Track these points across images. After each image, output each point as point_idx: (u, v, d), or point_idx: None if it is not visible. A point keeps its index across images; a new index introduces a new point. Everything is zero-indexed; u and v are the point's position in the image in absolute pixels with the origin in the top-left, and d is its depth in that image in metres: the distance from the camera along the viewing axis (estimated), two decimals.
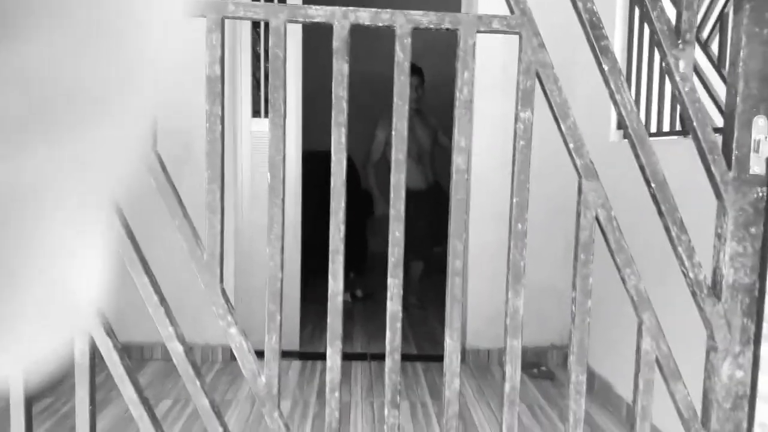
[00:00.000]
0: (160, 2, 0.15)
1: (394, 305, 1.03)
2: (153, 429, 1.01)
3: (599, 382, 2.69)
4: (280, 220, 0.99)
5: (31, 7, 0.12)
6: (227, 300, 1.02)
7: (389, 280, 1.03)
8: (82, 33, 0.13)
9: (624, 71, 2.55)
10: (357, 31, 1.02)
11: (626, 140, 2.48)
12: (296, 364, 2.92)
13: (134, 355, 2.90)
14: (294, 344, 3.09)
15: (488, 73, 2.79)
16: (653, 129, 2.38)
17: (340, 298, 1.02)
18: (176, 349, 1.02)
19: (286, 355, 3.00)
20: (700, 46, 2.03)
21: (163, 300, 1.02)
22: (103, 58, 0.14)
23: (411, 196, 3.38)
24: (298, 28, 2.89)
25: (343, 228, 1.01)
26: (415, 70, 3.08)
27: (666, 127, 2.35)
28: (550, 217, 2.81)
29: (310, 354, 3.12)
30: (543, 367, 3.01)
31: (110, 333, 1.00)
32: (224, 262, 3.13)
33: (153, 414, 1.03)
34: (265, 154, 2.93)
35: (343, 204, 1.01)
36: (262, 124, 2.99)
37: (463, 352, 2.98)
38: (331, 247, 1.01)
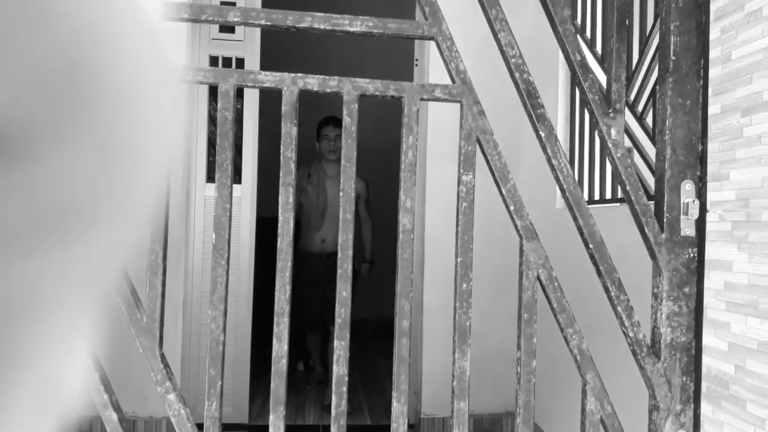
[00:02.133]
0: (156, 111, 0.16)
1: (340, 368, 1.01)
2: None
3: None
4: (224, 282, 0.98)
5: (40, 130, 0.13)
6: (166, 365, 0.98)
7: (336, 342, 1.02)
8: (80, 151, 0.14)
9: (568, 140, 2.67)
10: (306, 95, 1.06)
11: None
12: None
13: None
14: (243, 416, 2.97)
15: (440, 142, 2.88)
16: (597, 196, 2.48)
17: (284, 362, 0.99)
18: (110, 418, 0.97)
19: (234, 427, 2.87)
20: (636, 119, 2.16)
21: (99, 365, 0.98)
22: (97, 173, 0.14)
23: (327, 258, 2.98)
24: (256, 94, 2.95)
25: (288, 289, 1.00)
26: (338, 122, 2.86)
27: (609, 195, 2.45)
28: (504, 281, 2.85)
29: (259, 427, 3.00)
30: None
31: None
32: (172, 330, 2.99)
33: None
34: None
35: (289, 264, 1.00)
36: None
37: (418, 421, 2.91)
38: (276, 309, 1.00)
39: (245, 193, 2.95)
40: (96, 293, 0.15)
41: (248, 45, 2.87)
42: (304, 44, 5.04)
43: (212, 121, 3.11)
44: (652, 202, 1.13)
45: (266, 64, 3.00)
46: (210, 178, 2.98)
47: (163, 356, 0.98)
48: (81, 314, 0.15)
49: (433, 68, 2.85)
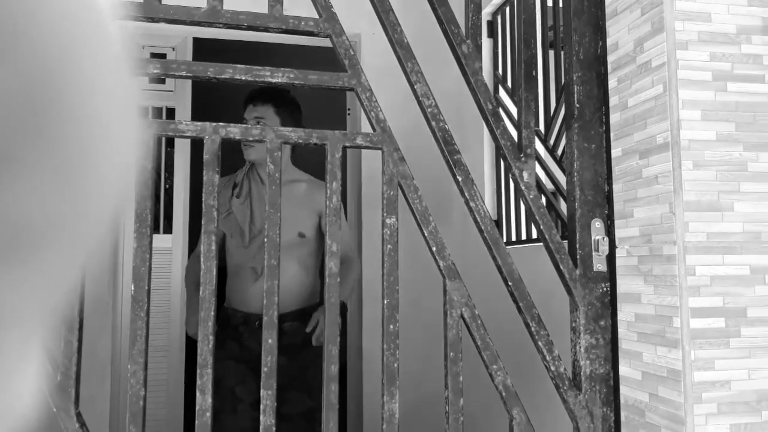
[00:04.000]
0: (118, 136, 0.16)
1: (267, 418, 1.00)
2: None
3: None
4: (144, 335, 0.96)
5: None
6: (83, 424, 0.94)
7: (262, 392, 1.00)
8: (38, 175, 0.14)
9: (494, 184, 2.77)
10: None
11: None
12: None
13: None
14: None
15: (375, 187, 2.93)
16: (524, 236, 2.57)
17: (208, 415, 0.97)
18: None
19: None
20: (555, 161, 2.27)
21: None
22: (54, 197, 0.15)
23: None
24: (187, 142, 2.93)
25: (212, 339, 0.99)
26: (267, 97, 1.92)
27: (534, 234, 2.54)
28: (440, 324, 2.87)
29: None
30: None
31: None
32: (100, 389, 2.83)
33: None
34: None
35: (212, 314, 0.99)
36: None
37: None
38: (199, 361, 0.98)
39: (176, 243, 2.88)
40: (47, 310, 0.16)
41: (179, 95, 2.87)
42: (238, 93, 5.05)
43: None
44: (566, 241, 1.19)
45: (198, 114, 2.99)
46: None
47: (79, 415, 0.94)
48: (33, 330, 0.16)
49: (365, 117, 2.92)
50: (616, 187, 1.15)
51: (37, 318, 0.15)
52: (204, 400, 0.97)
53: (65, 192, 0.15)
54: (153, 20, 1.00)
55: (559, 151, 2.28)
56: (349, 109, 3.09)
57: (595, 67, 1.19)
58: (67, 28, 0.15)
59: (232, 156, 2.04)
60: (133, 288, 0.97)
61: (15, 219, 0.14)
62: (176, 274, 2.89)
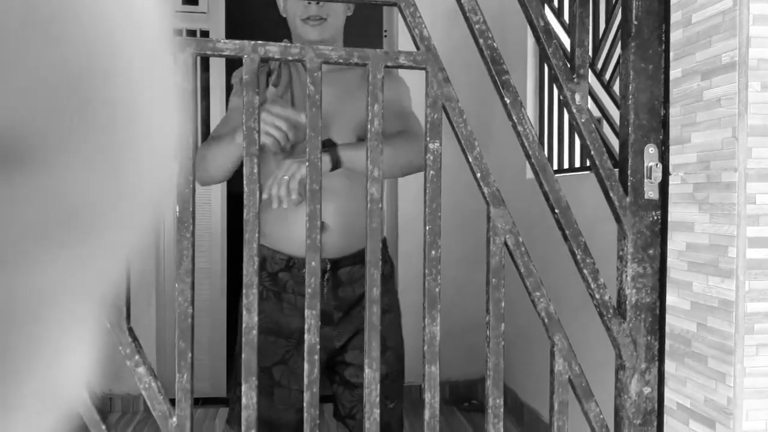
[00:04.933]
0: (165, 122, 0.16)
1: (311, 337, 1.02)
2: None
3: (528, 411, 2.72)
4: (190, 255, 0.97)
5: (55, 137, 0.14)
6: (135, 338, 0.97)
7: (306, 312, 1.02)
8: (86, 160, 0.14)
9: (537, 112, 2.69)
10: None
11: None
12: (223, 411, 2.81)
13: None
14: (221, 391, 2.98)
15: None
16: (566, 165, 2.51)
17: (254, 333, 0.99)
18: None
19: (213, 401, 2.88)
20: (603, 87, 2.17)
21: None
22: (103, 182, 0.15)
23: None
24: (222, 66, 2.89)
25: (256, 260, 1.00)
26: None
27: (578, 164, 2.48)
28: (475, 251, 2.87)
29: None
30: (474, 400, 3.02)
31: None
32: (145, 308, 2.98)
33: None
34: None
35: (256, 236, 1.00)
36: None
37: None
38: (245, 281, 0.99)
39: None
40: (96, 297, 0.16)
41: (212, 17, 2.81)
42: (270, 17, 4.94)
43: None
44: (617, 169, 1.14)
45: (231, 36, 2.94)
46: None
47: (131, 330, 0.97)
48: (82, 317, 0.16)
49: (401, 39, 2.82)
50: (673, 110, 1.09)
51: (87, 302, 0.16)
52: (250, 318, 0.99)
53: (112, 177, 0.15)
54: None
55: (607, 75, 2.17)
56: (385, 31, 2.99)
57: None
58: (112, 8, 0.15)
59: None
60: (178, 209, 0.97)
61: (65, 204, 0.14)
62: (215, 199, 2.93)
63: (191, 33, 2.76)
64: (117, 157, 0.15)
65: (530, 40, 2.69)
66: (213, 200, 2.88)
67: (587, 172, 2.31)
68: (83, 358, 0.16)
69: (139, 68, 0.15)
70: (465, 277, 2.92)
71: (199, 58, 1.06)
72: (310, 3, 1.35)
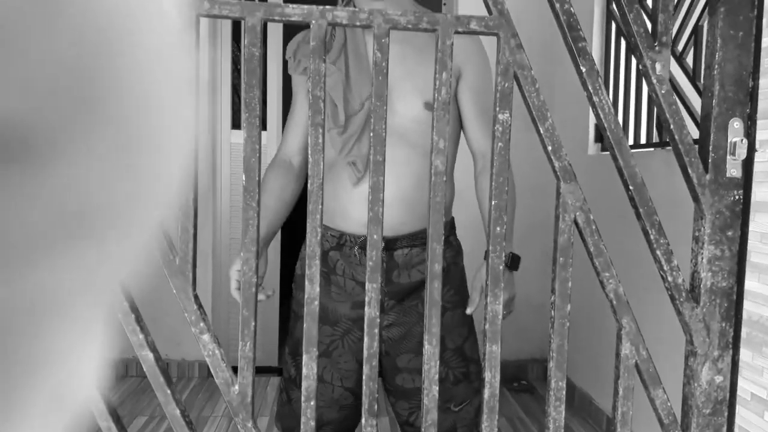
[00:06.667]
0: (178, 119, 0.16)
1: (372, 310, 1.01)
2: None
3: (579, 394, 2.68)
4: (255, 224, 0.97)
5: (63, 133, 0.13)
6: (200, 306, 0.99)
7: (367, 285, 1.01)
8: (101, 153, 0.14)
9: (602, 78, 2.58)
10: None
11: (605, 153, 2.51)
12: (275, 380, 2.87)
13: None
14: (273, 360, 3.04)
15: None
16: (631, 141, 2.41)
17: (316, 303, 0.99)
18: (147, 358, 0.99)
19: (265, 371, 2.94)
20: (675, 59, 2.06)
21: (134, 307, 0.99)
22: (119, 175, 0.14)
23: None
24: (280, 36, 2.88)
25: (319, 231, 0.99)
26: None
27: (643, 140, 2.37)
28: (526, 230, 2.82)
29: None
30: (523, 380, 2.99)
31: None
32: (202, 276, 3.05)
33: None
34: None
35: (320, 207, 0.99)
36: (242, 136, 2.98)
37: None
38: (308, 252, 0.99)
39: (270, 140, 2.93)
40: (110, 294, 0.16)
41: None
42: None
43: (236, 66, 3.07)
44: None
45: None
46: (235, 125, 2.96)
47: (196, 297, 0.99)
48: (95, 316, 0.15)
49: (461, 9, 2.75)
50: (763, 82, 1.01)
51: (101, 299, 0.15)
52: (312, 288, 0.98)
53: (126, 172, 0.14)
54: None
55: (680, 47, 2.06)
56: (444, 1, 2.92)
57: None
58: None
59: None
60: (244, 178, 0.97)
61: (76, 199, 0.13)
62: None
63: None
64: (131, 150, 0.14)
65: (597, 9, 2.58)
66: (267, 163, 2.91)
67: (652, 149, 2.21)
68: (94, 360, 0.16)
69: (153, 56, 0.15)
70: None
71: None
72: None
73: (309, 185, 0.99)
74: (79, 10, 0.13)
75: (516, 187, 1.35)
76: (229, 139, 2.96)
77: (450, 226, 1.38)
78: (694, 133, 1.99)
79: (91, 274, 0.14)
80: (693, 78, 2.00)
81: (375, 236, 1.00)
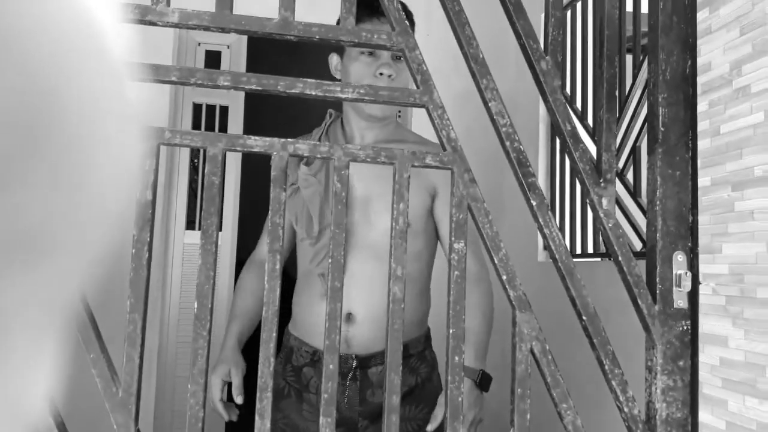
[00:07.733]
0: (117, 141, 0.16)
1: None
2: None
3: None
4: (205, 354, 0.93)
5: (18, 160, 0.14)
6: None
7: (321, 419, 0.97)
8: (42, 183, 0.14)
9: (548, 190, 2.69)
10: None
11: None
12: None
13: None
14: None
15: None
16: (578, 251, 2.48)
17: None
18: None
19: None
20: (627, 190, 2.18)
21: (58, 416, 0.91)
22: (58, 205, 0.15)
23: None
24: (238, 160, 2.92)
25: (272, 361, 0.96)
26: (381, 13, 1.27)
27: (591, 249, 2.45)
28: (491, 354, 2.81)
29: None
30: None
31: None
32: (146, 380, 2.87)
33: None
34: (197, 266, 2.83)
35: (274, 335, 0.96)
36: (196, 237, 2.93)
37: None
38: (259, 383, 0.95)
39: (225, 240, 2.89)
40: (56, 315, 0.16)
41: (232, 92, 2.86)
42: (291, 70, 5.06)
43: (194, 167, 3.08)
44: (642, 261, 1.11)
45: (250, 111, 2.99)
46: (189, 225, 2.92)
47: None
48: (43, 335, 0.16)
49: (415, 118, 2.87)
50: (703, 218, 1.07)
51: (46, 321, 0.15)
52: (263, 424, 0.94)
53: (68, 198, 0.15)
54: (224, 30, 0.97)
55: (629, 176, 2.18)
56: (399, 112, 3.05)
57: (683, 88, 1.11)
58: (61, 28, 0.15)
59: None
60: (196, 306, 0.94)
61: (21, 224, 0.14)
62: (224, 270, 2.89)
63: (210, 108, 2.80)
64: (73, 177, 0.15)
65: (542, 123, 2.73)
66: (221, 271, 2.85)
67: (598, 259, 2.29)
68: (46, 373, 0.16)
69: (94, 87, 0.15)
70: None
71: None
72: (381, 75, 1.28)
73: (264, 312, 0.97)
74: (28, 49, 0.14)
75: (494, 294, 1.37)
76: (183, 239, 2.91)
77: (425, 339, 1.38)
78: (638, 244, 2.07)
79: (37, 294, 0.15)
80: (634, 194, 2.11)
81: (331, 366, 0.98)
